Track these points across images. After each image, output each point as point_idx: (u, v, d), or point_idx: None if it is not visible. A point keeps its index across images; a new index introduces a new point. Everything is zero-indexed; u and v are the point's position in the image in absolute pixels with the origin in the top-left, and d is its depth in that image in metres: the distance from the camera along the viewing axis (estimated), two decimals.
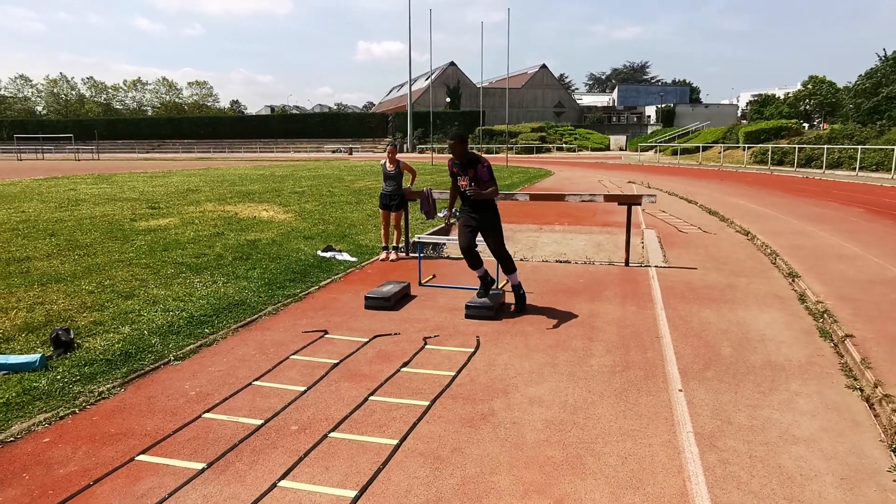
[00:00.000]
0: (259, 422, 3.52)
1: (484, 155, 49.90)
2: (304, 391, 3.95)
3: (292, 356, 4.59)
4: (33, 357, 4.13)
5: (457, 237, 5.96)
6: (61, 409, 3.64)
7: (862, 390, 3.91)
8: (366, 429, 3.44)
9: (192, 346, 4.74)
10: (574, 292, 6.49)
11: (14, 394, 3.77)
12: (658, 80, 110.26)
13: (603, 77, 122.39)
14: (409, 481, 2.91)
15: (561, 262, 8.20)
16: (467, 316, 5.56)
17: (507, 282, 6.81)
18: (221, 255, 7.88)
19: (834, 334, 5.02)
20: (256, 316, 5.55)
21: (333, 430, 3.43)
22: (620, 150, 64.93)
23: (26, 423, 3.47)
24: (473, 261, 5.83)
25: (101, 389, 3.93)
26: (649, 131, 70.66)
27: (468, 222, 5.75)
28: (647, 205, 13.46)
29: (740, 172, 29.48)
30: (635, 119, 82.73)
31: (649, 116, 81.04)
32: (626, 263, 7.82)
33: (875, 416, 3.58)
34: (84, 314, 5.34)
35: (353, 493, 2.80)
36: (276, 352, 4.68)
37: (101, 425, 3.49)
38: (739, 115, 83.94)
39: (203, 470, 3.01)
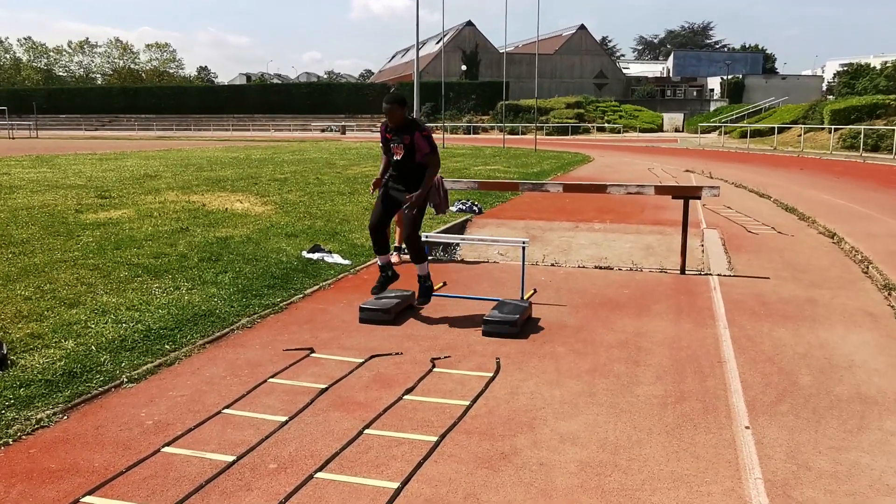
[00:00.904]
0: (230, 458, 3.56)
1: (507, 136, 50.00)
2: (285, 422, 3.99)
3: (271, 379, 4.64)
4: None
5: (476, 236, 6.06)
6: None
7: None
8: (360, 469, 3.47)
9: (149, 366, 4.80)
10: (617, 305, 6.50)
11: None
12: (724, 46, 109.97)
13: (655, 41, 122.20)
14: None
15: (601, 268, 8.21)
16: (485, 333, 5.59)
17: (534, 292, 6.86)
18: (185, 255, 7.97)
19: None
20: (227, 330, 5.61)
21: (320, 469, 3.46)
22: (676, 131, 64.80)
23: None
24: (380, 244, 6.15)
25: (39, 416, 3.99)
26: (712, 108, 70.43)
27: (389, 196, 6.01)
28: (709, 199, 13.44)
29: (825, 160, 29.32)
30: (695, 93, 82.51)
31: (712, 90, 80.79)
32: (682, 271, 7.82)
33: None
34: (19, 325, 5.42)
35: None
36: (252, 374, 4.73)
37: (40, 460, 3.55)
38: (825, 88, 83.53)
39: None
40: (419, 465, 3.51)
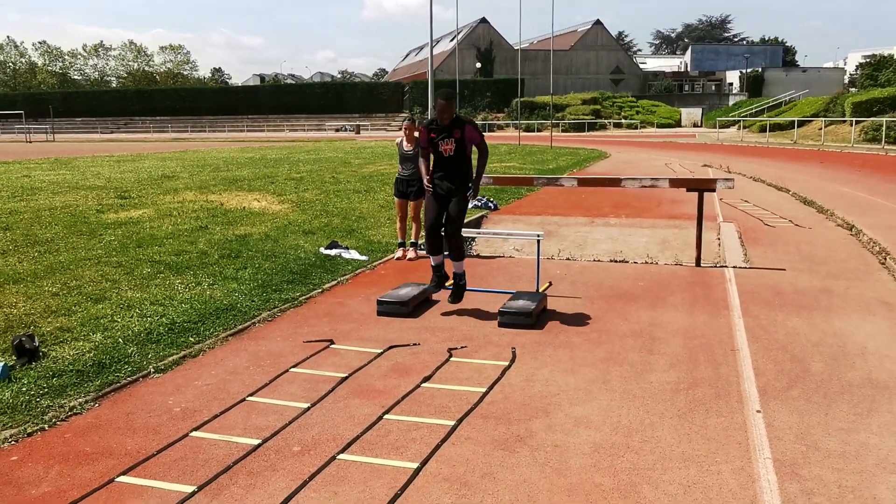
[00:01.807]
0: (256, 441, 3.74)
1: (523, 133, 50.00)
2: (308, 408, 4.17)
3: (292, 369, 4.82)
4: None
5: (491, 230, 6.17)
6: (28, 426, 3.91)
7: None
8: (380, 451, 3.64)
9: (174, 357, 5.00)
10: (632, 297, 6.63)
11: None
12: (743, 39, 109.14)
13: (673, 35, 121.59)
14: None
15: (616, 261, 8.33)
16: (501, 324, 5.74)
17: (549, 285, 7.00)
18: (206, 252, 8.19)
19: None
20: (249, 323, 5.80)
21: (342, 451, 3.63)
22: (695, 125, 64.51)
23: None
24: (435, 244, 6.15)
25: (72, 404, 4.19)
26: (731, 102, 70.01)
27: (438, 195, 6.05)
28: (725, 192, 13.49)
29: (846, 153, 29.14)
30: (713, 87, 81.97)
31: (731, 84, 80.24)
32: (698, 263, 7.92)
33: None
34: (48, 319, 5.65)
35: None
36: (273, 364, 4.92)
37: (75, 443, 3.75)
38: (847, 81, 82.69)
39: (194, 493, 3.23)
40: (437, 447, 3.67)
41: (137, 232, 9.44)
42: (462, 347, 5.25)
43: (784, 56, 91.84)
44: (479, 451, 3.63)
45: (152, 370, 4.76)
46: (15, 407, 4.12)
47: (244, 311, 6.06)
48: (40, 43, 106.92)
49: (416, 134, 8.46)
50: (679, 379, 4.58)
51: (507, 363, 4.90)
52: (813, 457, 3.54)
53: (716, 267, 7.91)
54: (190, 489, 3.26)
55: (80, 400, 4.26)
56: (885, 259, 8.16)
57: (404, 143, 8.42)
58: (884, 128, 31.34)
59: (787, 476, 3.35)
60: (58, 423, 4.00)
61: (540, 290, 6.61)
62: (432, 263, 6.31)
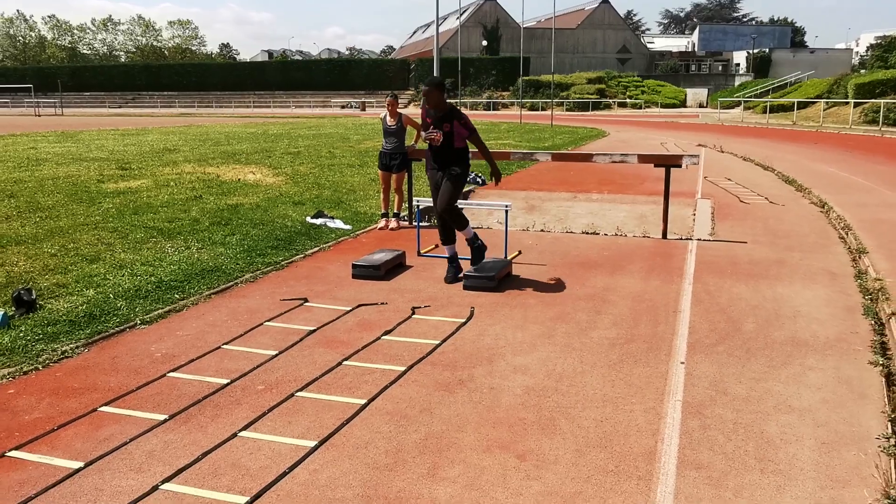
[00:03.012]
0: (225, 381, 4.18)
1: (528, 112, 50.08)
2: (275, 355, 4.60)
3: (266, 322, 5.25)
4: None
5: (462, 202, 6.52)
6: (24, 365, 4.36)
7: (885, 366, 4.39)
8: (335, 390, 4.07)
9: (160, 311, 5.44)
10: (594, 265, 7.02)
11: None
12: (752, 19, 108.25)
13: (682, 15, 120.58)
14: (370, 435, 3.52)
15: (588, 233, 8.71)
16: (465, 287, 6.15)
17: (518, 253, 7.40)
18: (197, 219, 8.61)
19: (881, 312, 5.46)
20: (232, 283, 6.23)
21: (301, 390, 4.07)
22: (700, 106, 64.35)
23: None
24: (446, 232, 6.50)
25: (64, 348, 4.64)
26: (737, 83, 69.74)
27: (438, 181, 6.39)
28: (710, 170, 13.82)
29: (843, 134, 29.29)
30: (720, 68, 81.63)
31: (738, 65, 79.89)
32: (664, 236, 8.30)
33: (889, 389, 4.06)
34: (46, 276, 6.09)
35: (312, 443, 3.42)
36: (250, 318, 5.35)
37: (64, 381, 4.20)
38: (857, 62, 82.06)
39: (165, 420, 3.67)
40: (385, 387, 4.10)
41: (135, 200, 9.86)
42: (425, 307, 5.67)
43: (793, 37, 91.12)
44: (423, 391, 4.06)
45: (139, 322, 5.20)
46: (13, 350, 4.56)
47: (228, 273, 6.49)
48: (49, 17, 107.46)
49: (398, 109, 8.85)
50: (618, 335, 4.99)
51: (463, 320, 5.31)
52: (720, 400, 3.95)
53: (681, 239, 8.29)
54: (162, 417, 3.71)
55: (72, 345, 4.70)
56: (847, 234, 8.51)
57: (388, 118, 8.78)
58: (882, 110, 31.41)
59: (691, 414, 3.77)
60: (50, 364, 4.44)
61: (508, 258, 7.00)
62: (447, 254, 6.55)
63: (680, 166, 8.01)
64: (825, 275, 6.66)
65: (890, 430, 3.55)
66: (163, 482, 3.08)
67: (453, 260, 6.53)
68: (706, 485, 3.08)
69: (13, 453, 3.34)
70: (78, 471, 3.18)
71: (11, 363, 4.39)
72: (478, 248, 6.46)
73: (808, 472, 3.18)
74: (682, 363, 4.48)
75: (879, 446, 3.40)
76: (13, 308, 5.17)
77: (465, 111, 49.58)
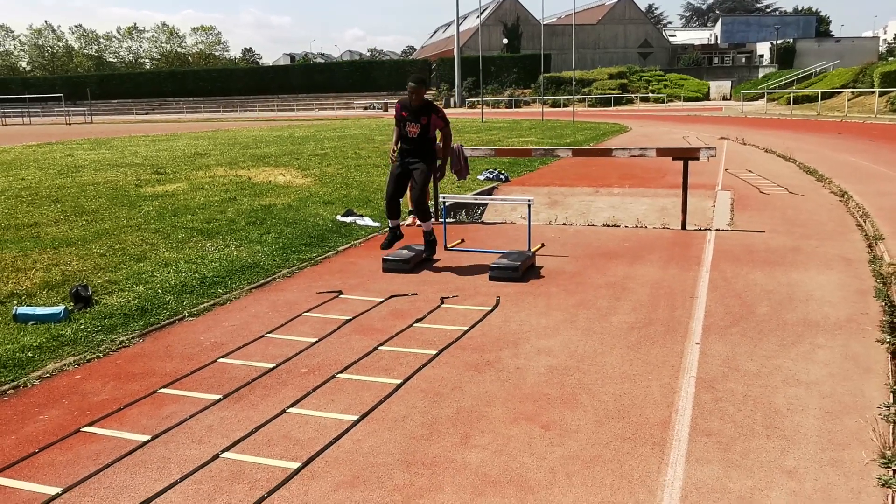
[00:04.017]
0: (271, 365, 4.54)
1: (550, 109, 50.19)
2: (315, 342, 4.95)
3: (305, 313, 5.61)
4: (58, 309, 5.28)
5: (487, 198, 6.89)
6: (87, 354, 4.76)
7: (892, 344, 4.62)
8: (372, 372, 4.40)
9: (205, 305, 5.82)
10: (614, 255, 7.29)
11: (44, 339, 4.91)
12: (776, 10, 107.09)
13: (704, 7, 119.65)
14: (407, 410, 3.85)
15: (609, 226, 8.97)
16: (491, 277, 6.46)
17: (541, 246, 7.69)
18: (234, 220, 9.02)
19: (894, 295, 5.68)
20: (270, 278, 6.60)
21: (341, 372, 4.40)
22: (724, 99, 63.95)
23: (58, 363, 4.59)
24: (393, 210, 7.04)
25: (121, 339, 5.03)
26: (760, 75, 69.15)
27: (404, 170, 6.89)
28: (731, 162, 13.96)
29: (868, 124, 29.09)
30: (744, 59, 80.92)
31: (761, 56, 79.15)
32: (683, 227, 8.53)
33: (894, 363, 4.30)
34: (98, 274, 6.51)
35: (354, 417, 3.76)
36: (289, 310, 5.70)
37: (125, 367, 4.58)
38: (885, 50, 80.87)
39: (219, 400, 4.03)
40: (419, 369, 4.42)
41: (172, 203, 10.30)
42: (454, 297, 5.99)
43: (818, 26, 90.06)
44: (454, 372, 4.38)
45: (187, 314, 5.58)
46: (76, 340, 4.96)
47: (266, 269, 6.86)
48: (77, 27, 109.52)
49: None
50: (636, 320, 5.27)
51: (490, 308, 5.62)
52: (731, 376, 4.22)
53: (700, 230, 8.51)
54: (217, 397, 4.07)
55: (128, 336, 5.09)
56: (865, 222, 8.68)
57: None
58: None
59: (704, 389, 4.04)
60: (110, 352, 4.83)
61: (531, 251, 7.30)
62: (389, 225, 7.19)
63: (697, 159, 8.24)
64: (840, 261, 6.86)
65: (891, 400, 3.79)
66: (223, 451, 3.43)
67: (395, 229, 7.16)
68: (716, 448, 3.36)
69: (87, 429, 3.71)
70: (146, 443, 3.54)
71: (76, 352, 4.78)
72: (432, 241, 7.07)
73: (811, 437, 3.45)
74: (698, 343, 4.75)
75: (880, 414, 3.65)
76: (72, 303, 5.58)
77: (486, 109, 49.77)
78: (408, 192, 9.30)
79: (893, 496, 2.91)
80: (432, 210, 9.58)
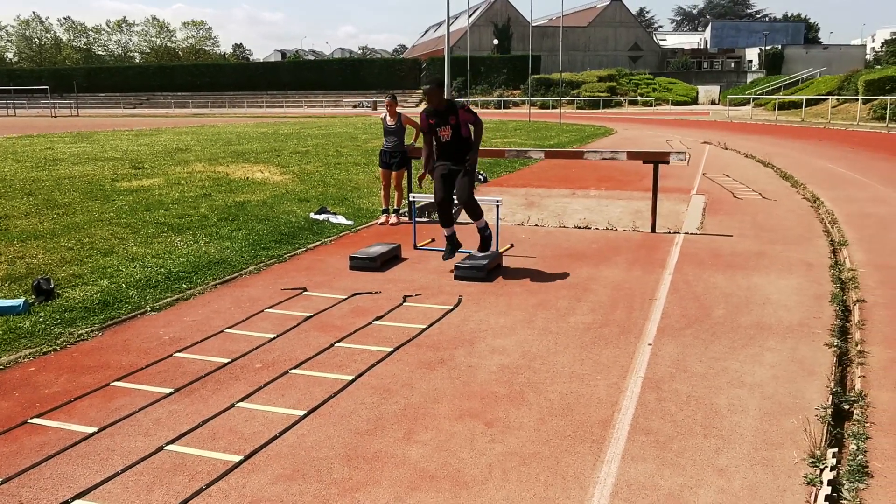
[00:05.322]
0: (226, 360, 4.57)
1: (539, 110, 50.29)
2: (273, 338, 4.99)
3: (267, 309, 5.64)
4: (17, 301, 5.29)
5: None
6: (44, 346, 4.78)
7: (839, 348, 4.71)
8: (326, 368, 4.45)
9: (168, 300, 5.84)
10: (581, 257, 7.36)
11: (2, 331, 4.93)
12: (765, 16, 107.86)
13: (695, 12, 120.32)
14: (355, 406, 3.90)
15: (580, 227, 9.05)
16: (456, 277, 6.52)
17: (510, 246, 7.75)
18: (206, 215, 9.03)
19: (849, 300, 5.78)
20: (236, 274, 6.63)
21: (294, 368, 4.45)
22: (712, 103, 64.25)
23: (13, 355, 4.61)
24: (447, 216, 6.73)
25: (80, 332, 5.05)
26: (749, 80, 69.61)
27: (444, 172, 6.65)
28: (710, 167, 14.08)
29: (850, 131, 29.37)
30: (732, 65, 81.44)
31: (750, 61, 79.66)
32: (653, 230, 8.62)
33: (837, 366, 4.39)
34: (63, 268, 6.52)
35: (301, 412, 3.81)
36: (252, 306, 5.74)
37: (80, 360, 4.60)
38: (871, 58, 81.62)
39: (170, 393, 4.07)
40: (372, 366, 4.47)
41: (147, 198, 10.31)
42: (416, 295, 6.04)
43: (807, 33, 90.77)
44: (406, 369, 4.43)
45: (149, 309, 5.61)
46: (33, 333, 4.98)
47: (233, 265, 6.89)
48: (65, 19, 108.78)
49: (398, 110, 9.24)
50: (593, 320, 5.34)
51: (451, 307, 5.68)
52: (679, 376, 4.29)
53: (669, 233, 8.61)
54: (168, 390, 4.10)
55: (87, 329, 5.11)
56: (832, 228, 8.80)
57: (387, 117, 9.16)
58: (890, 106, 31.43)
59: (650, 389, 4.11)
60: (67, 345, 4.85)
61: (498, 251, 7.35)
62: (445, 234, 6.85)
63: (668, 163, 8.33)
64: (801, 265, 6.96)
65: (829, 402, 3.88)
66: (167, 444, 3.47)
67: (452, 238, 6.82)
68: (652, 447, 3.43)
69: (35, 420, 3.74)
70: (92, 435, 3.57)
71: (32, 345, 4.80)
72: (488, 236, 6.79)
73: (746, 436, 3.52)
74: (650, 345, 4.83)
75: (816, 415, 3.73)
76: (33, 296, 5.60)
77: (475, 110, 50.20)
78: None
79: (816, 494, 2.99)
80: (405, 210, 9.65)
